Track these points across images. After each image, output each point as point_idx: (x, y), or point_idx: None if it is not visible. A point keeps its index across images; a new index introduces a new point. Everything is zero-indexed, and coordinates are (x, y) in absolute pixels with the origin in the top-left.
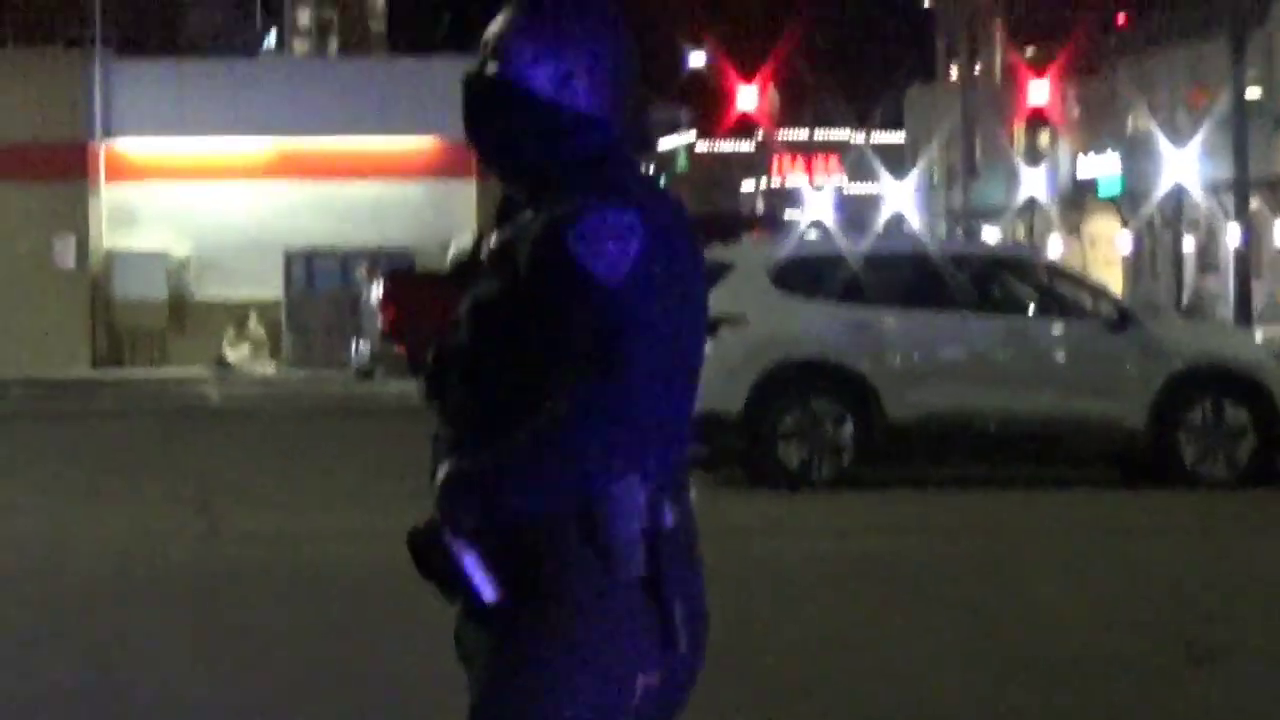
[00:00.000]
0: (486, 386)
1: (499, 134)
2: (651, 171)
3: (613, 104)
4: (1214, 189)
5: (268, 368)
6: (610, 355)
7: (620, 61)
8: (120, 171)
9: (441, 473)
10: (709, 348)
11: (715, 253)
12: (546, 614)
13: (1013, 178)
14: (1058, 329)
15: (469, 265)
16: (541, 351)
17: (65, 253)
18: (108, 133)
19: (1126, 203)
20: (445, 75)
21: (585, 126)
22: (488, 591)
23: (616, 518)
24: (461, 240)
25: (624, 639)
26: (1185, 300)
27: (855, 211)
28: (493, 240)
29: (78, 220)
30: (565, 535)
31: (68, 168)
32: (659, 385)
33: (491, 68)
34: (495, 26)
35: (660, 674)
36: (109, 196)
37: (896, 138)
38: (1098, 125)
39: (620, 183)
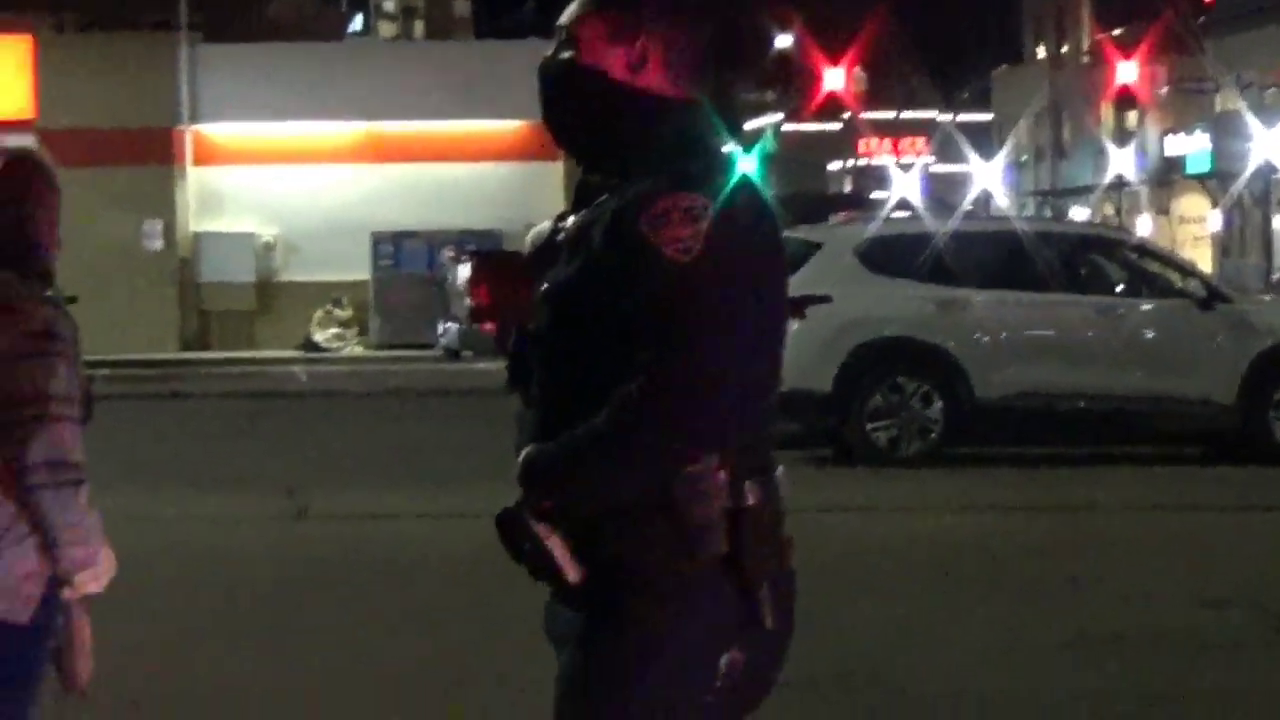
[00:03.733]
0: (565, 369)
1: (575, 118)
2: (737, 152)
3: (688, 86)
4: None
5: (355, 349)
6: (684, 336)
7: (695, 44)
8: (207, 155)
9: (523, 455)
10: (797, 327)
11: (802, 233)
12: (630, 594)
13: (1100, 157)
14: (1146, 307)
15: (546, 249)
16: (617, 334)
17: (153, 236)
18: (195, 117)
19: (1215, 181)
20: (531, 59)
21: (660, 109)
22: (572, 573)
23: (694, 498)
24: (539, 226)
25: (706, 617)
26: (1274, 278)
27: (942, 191)
28: (569, 223)
29: (165, 204)
30: (644, 516)
31: (156, 152)
32: (735, 364)
33: (566, 53)
34: (570, 11)
35: (746, 650)
36: (196, 180)
37: (984, 117)
38: (1186, 104)
39: (694, 165)
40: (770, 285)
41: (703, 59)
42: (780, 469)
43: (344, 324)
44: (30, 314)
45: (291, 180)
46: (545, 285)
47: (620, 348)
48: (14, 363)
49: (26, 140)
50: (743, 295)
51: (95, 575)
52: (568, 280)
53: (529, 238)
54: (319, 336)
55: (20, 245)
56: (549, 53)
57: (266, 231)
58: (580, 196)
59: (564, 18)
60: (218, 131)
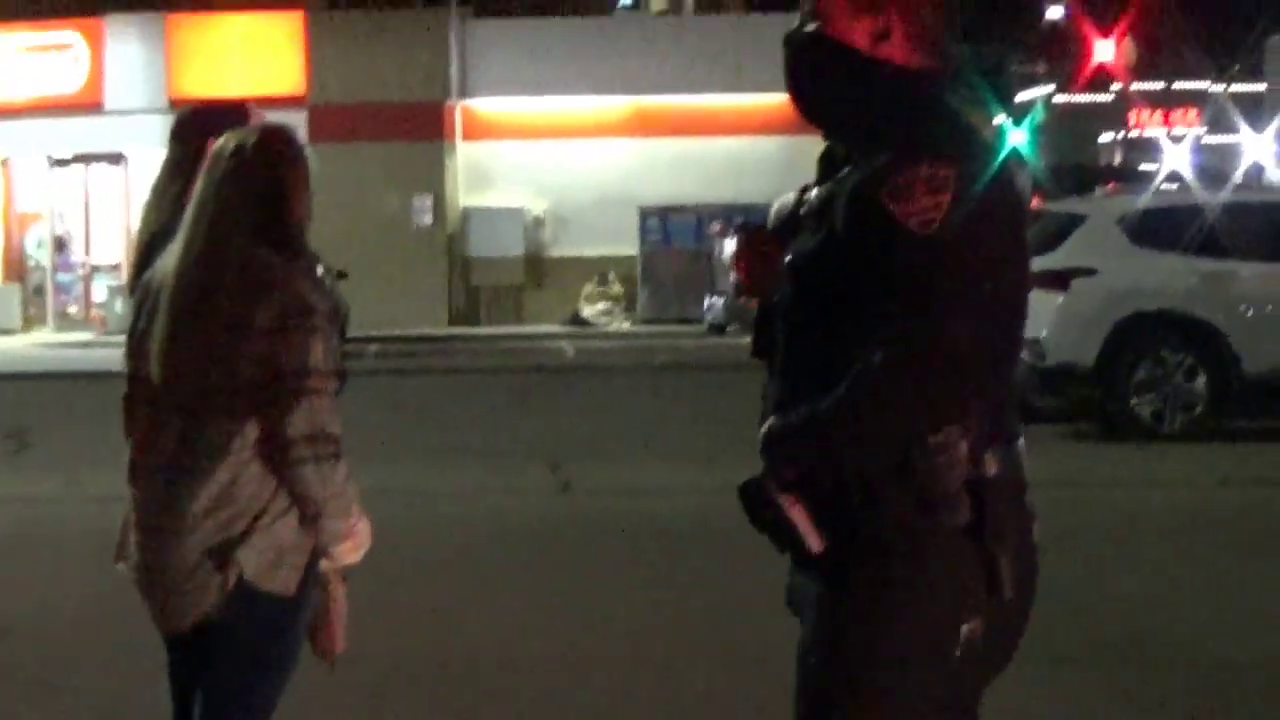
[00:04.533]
0: (809, 341)
1: (819, 89)
2: (1007, 124)
3: (930, 57)
4: None
5: (623, 323)
6: (926, 307)
7: (937, 15)
8: (476, 131)
9: (766, 427)
10: (1061, 300)
11: (1068, 205)
12: (871, 563)
13: None
14: None
15: (791, 220)
16: (860, 305)
17: (423, 211)
18: (464, 93)
19: None
20: None
21: (903, 80)
22: (814, 542)
23: (936, 468)
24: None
25: (946, 587)
26: None
27: (1214, 163)
28: (813, 195)
29: (435, 179)
30: (886, 486)
31: (425, 128)
32: (976, 336)
33: (812, 25)
34: None
35: (987, 620)
36: (465, 155)
37: (1258, 87)
38: None
39: (938, 135)
40: (1013, 257)
41: (942, 30)
42: (1021, 440)
43: (612, 299)
44: (288, 288)
45: (559, 155)
46: (789, 257)
47: (863, 320)
48: (274, 337)
49: (299, 118)
50: (985, 267)
51: (354, 547)
52: (811, 252)
53: (773, 210)
54: (587, 311)
55: (277, 222)
56: (796, 24)
57: (535, 206)
58: (824, 168)
59: None
60: (486, 107)
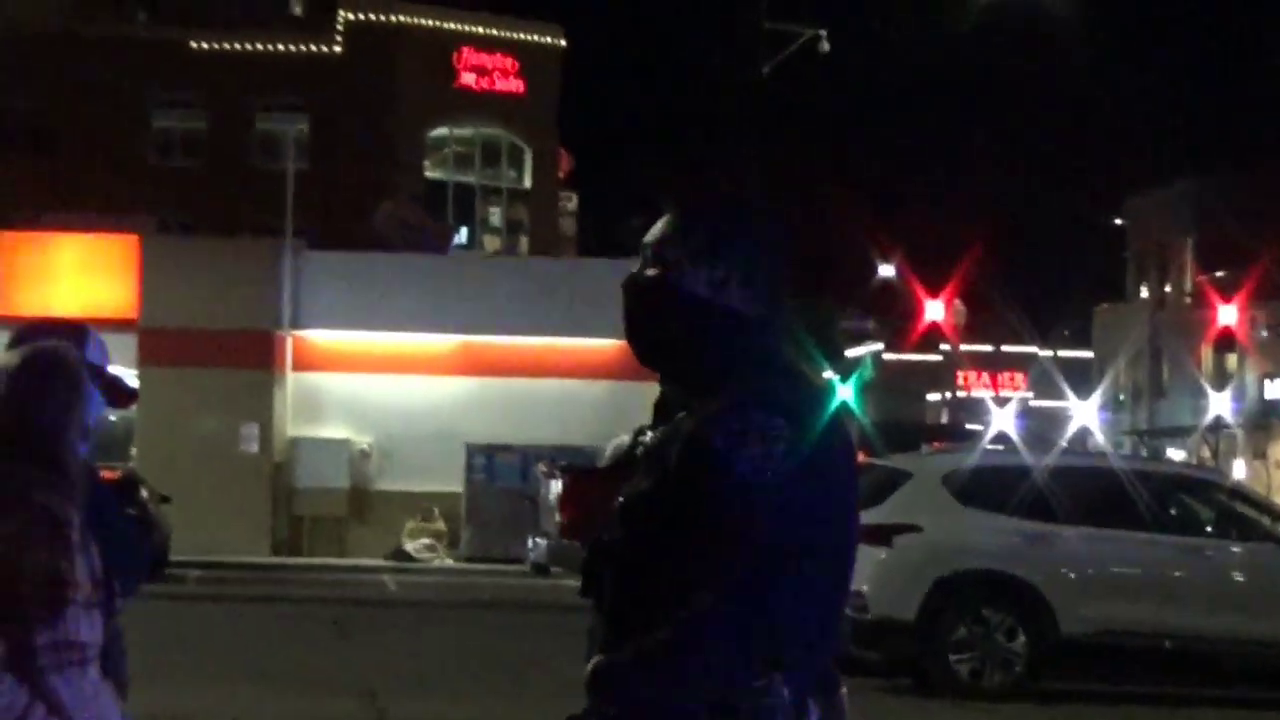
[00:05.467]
0: (637, 581)
1: (656, 333)
2: (835, 379)
3: (768, 307)
4: None
5: (445, 560)
6: (753, 556)
7: (776, 267)
8: (306, 361)
9: (592, 665)
10: (884, 555)
11: (894, 461)
12: None
13: (1199, 398)
14: (1235, 549)
15: (626, 462)
16: (688, 550)
17: (250, 439)
18: (296, 323)
19: None
20: None
21: (740, 328)
22: None
23: (757, 712)
24: (618, 440)
25: None
26: None
27: (1039, 426)
28: (648, 438)
29: (263, 408)
30: None
31: (255, 356)
32: (802, 585)
33: (651, 270)
34: (655, 231)
35: None
36: (294, 385)
37: (1084, 354)
38: None
39: (773, 385)
40: (844, 509)
41: (780, 281)
42: (844, 689)
43: (435, 535)
44: (32, 503)
45: (389, 389)
46: (621, 498)
47: (690, 564)
48: (17, 549)
49: (128, 340)
50: (813, 520)
51: None
52: (644, 493)
53: (609, 450)
54: (410, 546)
55: (31, 438)
56: (635, 268)
57: (362, 439)
58: (659, 412)
59: (649, 236)
60: (317, 338)
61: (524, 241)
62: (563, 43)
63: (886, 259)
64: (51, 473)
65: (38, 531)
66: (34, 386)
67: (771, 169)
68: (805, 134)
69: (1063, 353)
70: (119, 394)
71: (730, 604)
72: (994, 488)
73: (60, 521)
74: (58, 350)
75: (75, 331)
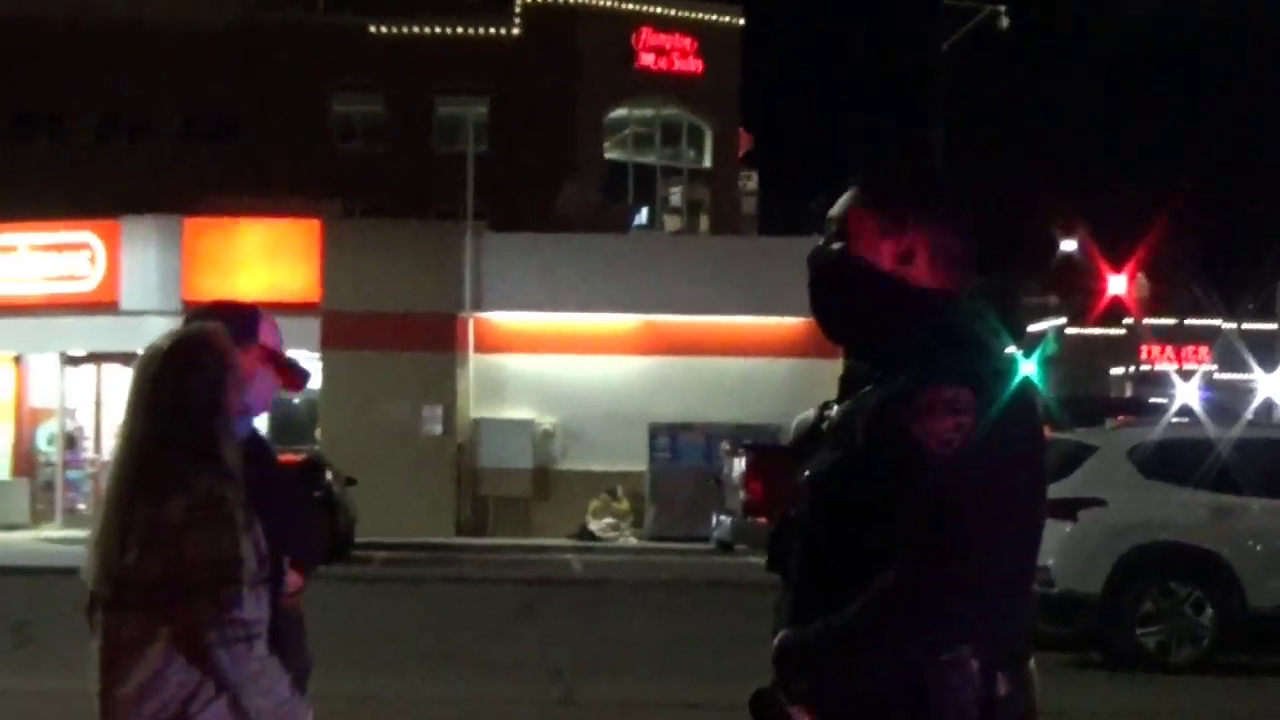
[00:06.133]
0: (825, 554)
1: (842, 307)
2: (1019, 355)
3: (952, 281)
4: None
5: (629, 539)
6: (943, 529)
7: (958, 242)
8: (488, 343)
9: (779, 639)
10: (1069, 529)
11: (1079, 435)
12: None
13: None
14: None
15: (811, 436)
16: (876, 521)
17: (434, 420)
18: (477, 305)
19: None
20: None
21: (925, 301)
22: None
23: (946, 688)
24: (804, 414)
25: None
26: None
27: (1224, 398)
28: (834, 412)
29: (446, 389)
30: (897, 702)
31: (438, 338)
32: (991, 560)
33: (836, 244)
34: (839, 206)
35: None
36: (477, 366)
37: (1268, 326)
38: None
39: (959, 358)
40: (1029, 484)
41: (964, 256)
42: (1033, 662)
43: (619, 515)
44: (193, 486)
45: (571, 370)
46: (808, 471)
47: (878, 536)
48: (181, 532)
49: (311, 324)
50: (1002, 493)
51: None
52: (830, 468)
53: (794, 424)
54: (594, 526)
55: (185, 425)
56: (820, 243)
57: (545, 419)
58: (845, 386)
59: (834, 210)
60: (499, 319)
61: (704, 220)
62: (741, 21)
63: (1069, 234)
64: (209, 455)
65: (201, 515)
66: (182, 369)
67: (956, 145)
68: (987, 108)
69: (1247, 325)
70: (293, 376)
71: (919, 581)
72: (1179, 461)
73: (222, 503)
74: (203, 331)
75: (246, 314)
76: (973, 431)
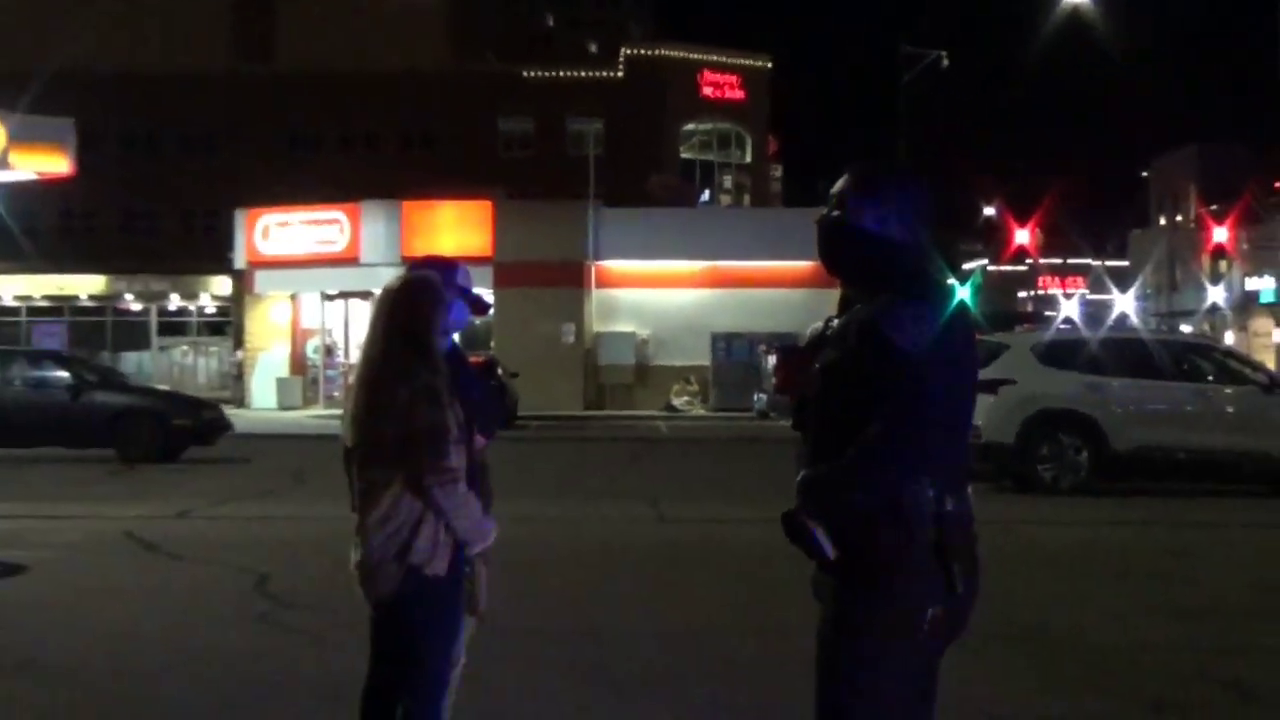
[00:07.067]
0: (832, 420)
1: (842, 256)
2: (956, 284)
3: (917, 235)
4: None
5: (700, 410)
6: (910, 400)
7: (922, 209)
8: (605, 281)
9: (800, 477)
10: (992, 400)
11: (997, 338)
12: (868, 566)
13: (1201, 291)
14: (1228, 391)
15: (820, 341)
16: (865, 398)
17: (569, 334)
18: (597, 255)
19: (1279, 309)
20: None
21: (897, 250)
22: (829, 551)
23: (914, 504)
24: (815, 325)
25: (917, 584)
26: None
27: (1094, 312)
28: (835, 324)
29: (577, 313)
30: (881, 516)
31: (572, 278)
32: (942, 419)
33: (836, 212)
34: (838, 185)
35: (945, 607)
36: (597, 297)
37: (1123, 263)
38: (1260, 256)
39: (921, 287)
40: (968, 369)
41: (926, 220)
42: (970, 488)
43: (693, 394)
44: (417, 377)
45: (660, 298)
46: (818, 364)
47: (866, 405)
48: (408, 409)
49: (487, 271)
50: (950, 375)
51: (481, 539)
52: (834, 362)
53: (808, 332)
54: (676, 402)
55: (413, 335)
56: (824, 211)
57: (643, 331)
58: (843, 305)
59: (835, 188)
60: (612, 265)
61: (746, 199)
62: (770, 64)
63: (989, 202)
64: (425, 356)
65: (421, 396)
66: (410, 300)
67: (914, 145)
68: (936, 120)
69: (1109, 263)
70: (479, 307)
71: (897, 432)
72: (1064, 353)
73: (435, 389)
74: (424, 275)
75: (448, 264)
76: (929, 335)
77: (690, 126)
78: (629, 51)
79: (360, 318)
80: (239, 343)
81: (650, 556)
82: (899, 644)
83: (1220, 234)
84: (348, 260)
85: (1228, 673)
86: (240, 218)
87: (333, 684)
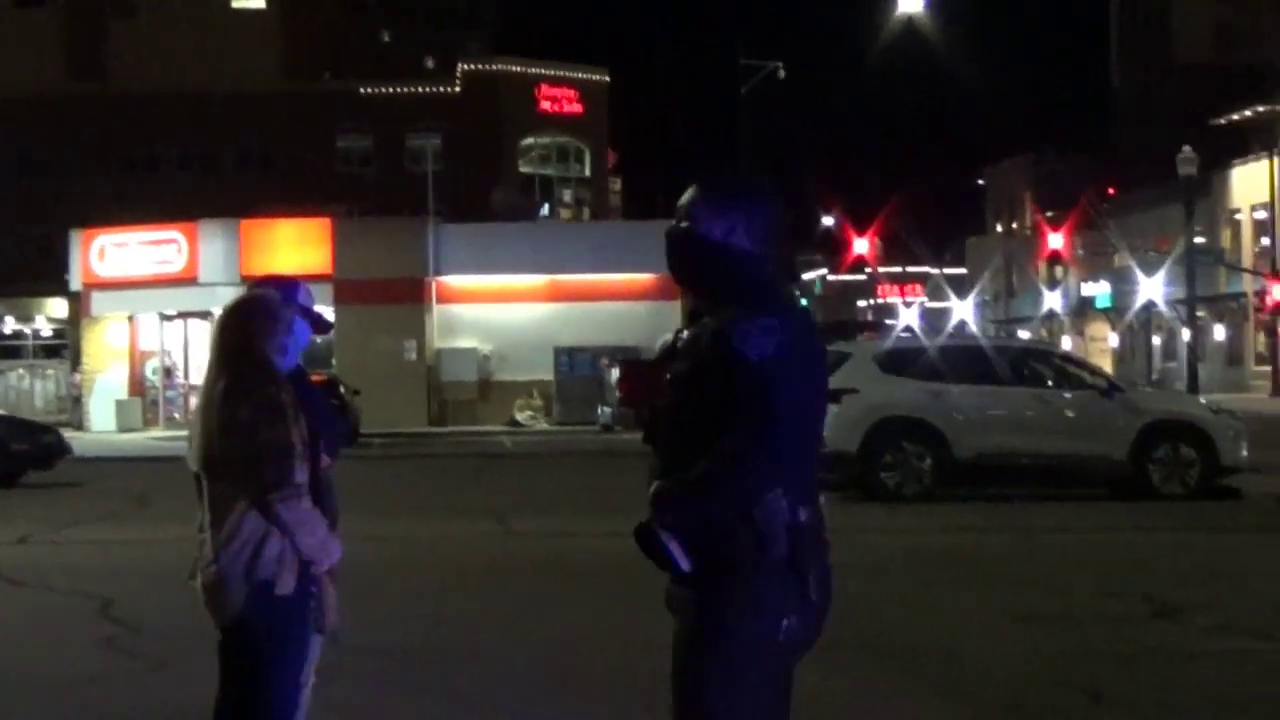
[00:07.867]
0: (683, 432)
1: (689, 267)
2: (796, 294)
3: (765, 247)
4: (1172, 304)
5: (543, 425)
6: (761, 411)
7: (770, 220)
8: (446, 297)
9: (653, 488)
10: (835, 409)
11: (838, 347)
12: (722, 578)
13: (1038, 297)
14: (1067, 396)
15: (670, 354)
16: (716, 408)
17: (411, 350)
18: (438, 271)
19: (1114, 314)
20: (659, 232)
21: (745, 261)
22: (684, 564)
23: (767, 515)
24: (665, 337)
25: (773, 593)
26: (1153, 377)
27: (933, 320)
28: (684, 336)
29: (418, 329)
30: (734, 528)
31: (412, 295)
32: (793, 430)
33: (684, 223)
34: (686, 196)
35: (799, 615)
36: (439, 313)
37: (961, 271)
38: (1095, 262)
39: (768, 299)
40: (815, 379)
41: (773, 230)
42: (824, 498)
43: (536, 409)
44: (257, 393)
45: (501, 313)
46: (669, 375)
47: (718, 417)
48: (251, 427)
49: (327, 288)
50: (799, 386)
51: (325, 556)
52: (684, 373)
53: (658, 345)
54: (519, 417)
55: (247, 355)
56: (673, 223)
57: (485, 347)
58: (691, 317)
59: (682, 199)
60: (453, 281)
61: (586, 212)
62: (607, 78)
63: (828, 212)
64: (265, 373)
65: (264, 414)
66: (240, 320)
67: (753, 156)
68: (775, 131)
69: (947, 270)
70: (321, 325)
71: (749, 444)
72: (905, 361)
73: (277, 406)
74: (256, 294)
75: (288, 283)
76: (777, 346)
77: (529, 141)
78: (466, 67)
79: (200, 338)
80: (76, 365)
81: (499, 572)
82: (755, 654)
83: (1056, 240)
84: (186, 280)
85: (1082, 677)
86: (76, 239)
87: (181, 708)
